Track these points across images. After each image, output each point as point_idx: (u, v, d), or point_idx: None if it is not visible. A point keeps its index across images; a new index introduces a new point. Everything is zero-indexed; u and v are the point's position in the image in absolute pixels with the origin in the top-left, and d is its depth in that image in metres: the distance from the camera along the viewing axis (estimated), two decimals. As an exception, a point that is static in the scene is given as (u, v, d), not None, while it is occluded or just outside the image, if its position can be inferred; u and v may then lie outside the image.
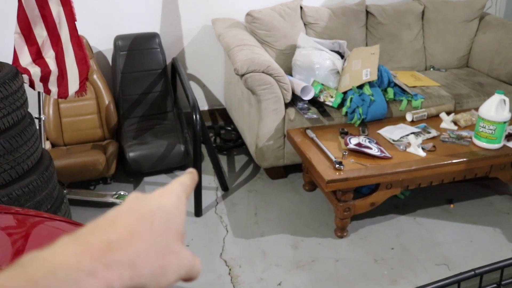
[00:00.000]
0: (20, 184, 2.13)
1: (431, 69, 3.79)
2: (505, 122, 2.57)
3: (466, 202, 2.89)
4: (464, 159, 2.54)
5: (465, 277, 1.53)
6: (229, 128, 3.69)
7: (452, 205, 2.88)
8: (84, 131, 3.26)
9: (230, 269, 2.33)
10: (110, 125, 3.27)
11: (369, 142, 2.61)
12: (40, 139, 2.38)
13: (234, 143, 3.52)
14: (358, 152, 2.54)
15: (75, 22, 2.48)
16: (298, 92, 2.90)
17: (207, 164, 3.23)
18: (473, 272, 1.56)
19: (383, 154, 2.51)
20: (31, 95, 2.45)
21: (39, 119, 2.64)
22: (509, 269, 1.39)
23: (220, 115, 3.89)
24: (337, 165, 2.38)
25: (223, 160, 3.36)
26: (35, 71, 2.41)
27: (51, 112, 3.17)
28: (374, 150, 2.52)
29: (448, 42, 3.77)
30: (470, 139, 2.72)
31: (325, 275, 2.29)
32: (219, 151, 3.44)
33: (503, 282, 1.39)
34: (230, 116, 3.65)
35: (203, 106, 3.84)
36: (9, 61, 2.38)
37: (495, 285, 1.41)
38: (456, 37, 3.78)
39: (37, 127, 2.40)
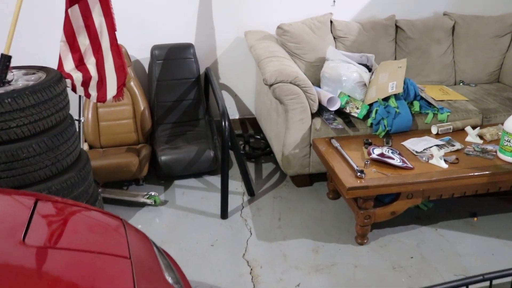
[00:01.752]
0: (59, 179, 2.30)
1: (461, 83, 3.81)
2: (529, 137, 2.59)
3: (490, 216, 2.90)
4: (487, 172, 2.56)
5: (473, 281, 1.59)
6: (258, 137, 3.80)
7: (475, 218, 2.89)
8: (120, 134, 3.44)
9: (251, 269, 2.42)
10: (145, 129, 3.43)
11: (392, 152, 2.67)
12: (78, 140, 2.55)
13: (262, 151, 3.63)
14: (380, 162, 2.60)
15: (115, 32, 2.66)
16: (324, 102, 2.99)
17: (235, 170, 3.35)
18: (481, 277, 1.61)
19: (405, 165, 2.56)
20: (73, 99, 2.62)
21: (79, 121, 2.82)
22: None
23: (250, 124, 4.02)
24: (358, 173, 2.45)
25: (251, 167, 3.47)
26: (77, 76, 2.60)
27: (90, 115, 3.37)
28: (396, 161, 2.58)
29: (479, 57, 3.79)
30: (495, 153, 2.74)
31: (343, 279, 2.35)
32: (247, 159, 3.56)
33: None
34: (260, 125, 3.77)
35: (234, 115, 3.97)
36: (54, 66, 2.57)
37: (505, 292, 1.45)
38: (487, 52, 3.79)
39: (77, 129, 2.57)
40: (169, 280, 1.48)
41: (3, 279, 1.15)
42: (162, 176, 3.25)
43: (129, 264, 1.37)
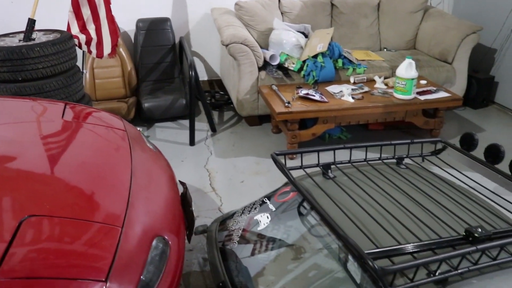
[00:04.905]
0: (70, 108, 3.21)
1: (385, 49, 4.78)
2: (413, 79, 3.57)
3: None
4: (382, 104, 3.54)
5: (337, 148, 2.51)
6: (222, 93, 4.75)
7: (380, 144, 3.85)
8: (111, 90, 4.35)
9: (209, 173, 3.38)
10: (131, 85, 4.35)
11: (315, 92, 3.63)
12: (83, 84, 3.47)
13: (224, 102, 4.58)
14: (305, 99, 3.56)
15: (110, 5, 3.57)
16: (268, 59, 3.94)
17: (202, 116, 4.30)
18: (343, 145, 2.54)
19: (322, 99, 3.53)
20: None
21: (82, 72, 3.73)
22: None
23: (217, 84, 4.96)
24: (286, 104, 3.42)
25: (215, 114, 4.43)
26: (82, 37, 3.51)
27: (87, 75, 4.27)
28: (316, 97, 3.54)
29: (399, 29, 4.77)
30: (392, 94, 3.72)
31: (275, 178, 3.31)
32: (213, 108, 4.51)
33: (369, 161, 2.35)
34: (224, 83, 4.71)
35: (204, 77, 4.91)
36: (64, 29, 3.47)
37: (364, 162, 2.37)
38: (404, 25, 4.77)
39: (82, 76, 3.48)
40: (150, 146, 2.41)
41: (53, 135, 2.09)
42: (145, 119, 4.18)
43: (126, 134, 2.30)
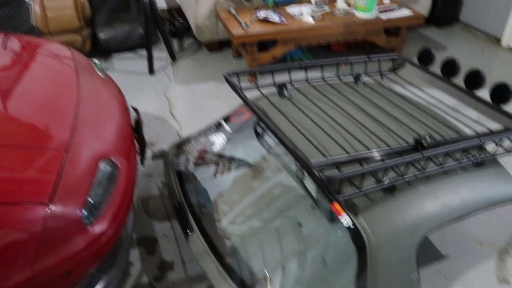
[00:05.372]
0: (18, 40, 3.06)
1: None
2: (373, -4, 3.48)
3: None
4: (342, 24, 3.46)
5: (293, 67, 2.45)
6: (182, 21, 4.58)
7: (343, 65, 3.82)
8: (64, 22, 4.13)
9: (169, 101, 3.32)
10: (85, 16, 4.14)
11: (274, 14, 3.53)
12: (30, 16, 3.29)
13: (185, 30, 4.44)
14: (264, 21, 3.46)
15: None
16: (225, -19, 3.78)
17: (162, 45, 4.16)
18: (298, 64, 2.47)
19: (281, 21, 3.43)
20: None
21: (29, 4, 3.52)
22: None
23: (177, 12, 4.77)
24: (244, 26, 3.31)
25: (175, 42, 4.30)
26: (23, -37, 3.29)
27: (36, 7, 4.04)
28: (275, 19, 3.44)
29: None
30: (353, 13, 3.64)
31: (234, 102, 3.27)
32: (173, 36, 4.36)
33: (326, 79, 2.30)
34: (183, 10, 4.52)
35: (163, 5, 4.71)
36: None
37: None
38: None
39: (28, 8, 3.29)
40: (100, 74, 2.32)
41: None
42: (102, 51, 4.03)
43: (73, 62, 2.20)
